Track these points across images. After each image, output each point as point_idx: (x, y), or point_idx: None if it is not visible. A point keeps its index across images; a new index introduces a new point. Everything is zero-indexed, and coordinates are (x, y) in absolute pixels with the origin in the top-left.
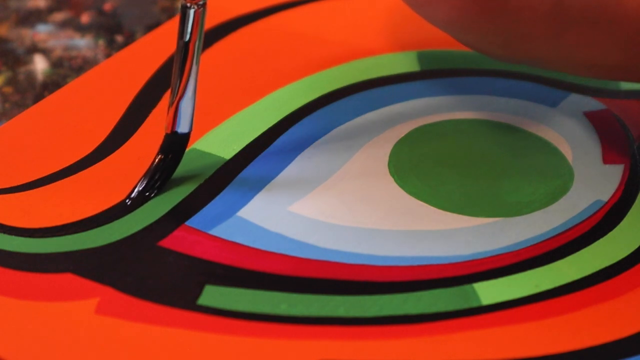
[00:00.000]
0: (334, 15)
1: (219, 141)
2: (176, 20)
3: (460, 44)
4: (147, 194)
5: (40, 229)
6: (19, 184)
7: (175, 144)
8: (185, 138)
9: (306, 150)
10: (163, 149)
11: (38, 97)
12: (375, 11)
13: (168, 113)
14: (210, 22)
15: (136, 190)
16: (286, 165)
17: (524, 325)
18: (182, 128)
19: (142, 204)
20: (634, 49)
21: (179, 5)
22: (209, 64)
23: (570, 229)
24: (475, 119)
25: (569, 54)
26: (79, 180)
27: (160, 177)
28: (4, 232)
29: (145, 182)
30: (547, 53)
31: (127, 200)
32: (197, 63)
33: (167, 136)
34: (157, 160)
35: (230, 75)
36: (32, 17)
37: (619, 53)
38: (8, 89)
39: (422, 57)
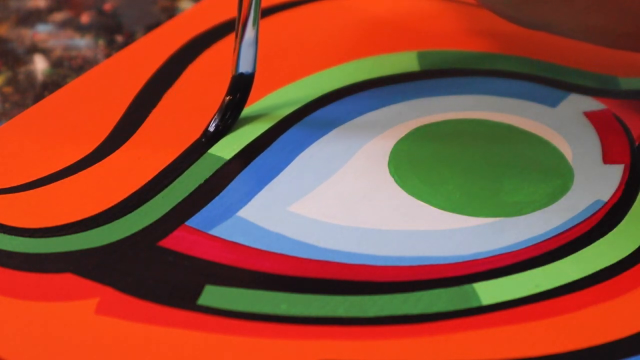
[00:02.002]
0: (334, 15)
1: (219, 141)
2: (176, 20)
3: (460, 44)
4: (220, 130)
5: (40, 229)
6: (19, 184)
7: (241, 85)
8: (250, 78)
9: (306, 150)
10: (231, 90)
11: (38, 97)
12: (375, 11)
13: (233, 56)
14: (210, 22)
15: (210, 128)
16: (286, 165)
17: (524, 325)
18: (246, 69)
19: (215, 141)
20: None
21: (179, 5)
22: (209, 64)
23: (570, 229)
24: (475, 119)
25: (579, 19)
26: (79, 180)
27: (230, 115)
28: (4, 232)
29: (217, 121)
30: (558, 16)
31: (202, 139)
32: (257, 9)
33: (233, 78)
34: (226, 100)
35: (230, 75)
36: (32, 17)
37: (628, 21)
38: (8, 89)
39: (422, 57)
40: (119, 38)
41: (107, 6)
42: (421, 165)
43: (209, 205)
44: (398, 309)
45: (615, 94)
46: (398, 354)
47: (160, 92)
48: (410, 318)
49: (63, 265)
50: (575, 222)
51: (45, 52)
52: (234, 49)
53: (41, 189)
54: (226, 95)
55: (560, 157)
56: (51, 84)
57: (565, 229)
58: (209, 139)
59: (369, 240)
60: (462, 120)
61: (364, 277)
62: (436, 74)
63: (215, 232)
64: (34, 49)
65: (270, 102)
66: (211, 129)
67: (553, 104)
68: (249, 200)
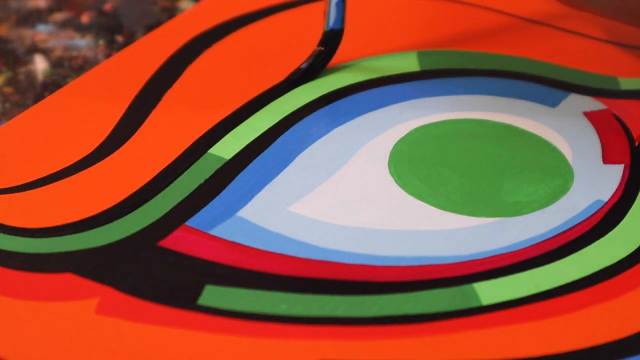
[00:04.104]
0: None
1: (219, 141)
2: (176, 20)
3: (460, 44)
4: (306, 75)
5: (40, 229)
6: (19, 184)
7: (331, 39)
8: (339, 33)
9: (306, 150)
10: (322, 43)
11: (38, 97)
12: (375, 11)
13: (323, 14)
14: (210, 22)
15: (297, 73)
16: (286, 165)
17: (524, 325)
18: (336, 25)
19: (297, 85)
20: None
21: (179, 5)
22: (209, 64)
23: (570, 229)
24: (475, 119)
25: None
26: (79, 180)
27: (319, 63)
28: (4, 232)
29: (305, 67)
30: None
31: (286, 82)
32: None
33: (325, 33)
34: (317, 50)
35: (230, 75)
36: (32, 17)
37: None
38: (8, 89)
39: (422, 57)
40: (119, 38)
41: (107, 6)
42: (421, 165)
43: (209, 205)
44: (398, 309)
45: (615, 94)
46: (398, 354)
47: (160, 92)
48: (410, 318)
49: (63, 265)
50: (575, 222)
51: (45, 52)
52: (324, 7)
53: (41, 189)
54: (317, 46)
55: (560, 157)
56: (51, 84)
57: (565, 229)
58: (292, 82)
59: (369, 240)
60: (462, 120)
61: (364, 277)
62: (436, 74)
63: (215, 232)
64: (34, 49)
65: (270, 102)
66: (295, 76)
67: (553, 104)
68: (249, 200)
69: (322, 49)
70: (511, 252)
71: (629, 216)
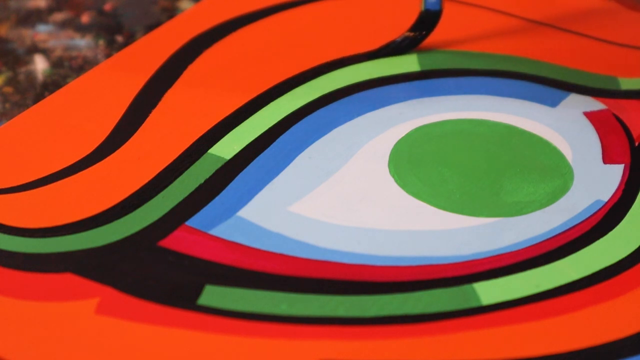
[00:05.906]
0: (334, 15)
1: (219, 141)
2: (176, 20)
3: (460, 44)
4: (393, 49)
5: (40, 229)
6: (19, 184)
7: (426, 20)
8: (436, 15)
9: (306, 150)
10: (416, 24)
11: (38, 97)
12: (375, 11)
13: None
14: (210, 22)
15: (386, 48)
16: (286, 165)
17: (524, 325)
18: (433, 6)
19: (386, 55)
20: None
21: (179, 5)
22: (209, 64)
23: (570, 229)
24: (475, 119)
25: None
26: (79, 180)
27: (409, 43)
28: (4, 232)
29: (395, 45)
30: None
31: (372, 53)
32: None
33: (420, 13)
34: (405, 33)
35: (230, 75)
36: (32, 17)
37: None
38: (8, 89)
39: (422, 57)
40: (119, 38)
41: (107, 6)
42: (421, 165)
43: (209, 205)
44: (398, 309)
45: (615, 94)
46: (398, 354)
47: (160, 92)
48: (410, 318)
49: (63, 265)
50: (575, 222)
51: (45, 52)
52: None
53: (41, 189)
54: (410, 29)
55: (560, 157)
56: (51, 84)
57: (565, 229)
58: (380, 54)
59: (369, 240)
60: (462, 120)
61: (364, 277)
62: (436, 74)
63: (215, 232)
64: (34, 49)
65: (271, 102)
66: (392, 44)
67: (553, 104)
68: (249, 200)
69: (415, 32)
70: (511, 252)
71: (629, 216)
